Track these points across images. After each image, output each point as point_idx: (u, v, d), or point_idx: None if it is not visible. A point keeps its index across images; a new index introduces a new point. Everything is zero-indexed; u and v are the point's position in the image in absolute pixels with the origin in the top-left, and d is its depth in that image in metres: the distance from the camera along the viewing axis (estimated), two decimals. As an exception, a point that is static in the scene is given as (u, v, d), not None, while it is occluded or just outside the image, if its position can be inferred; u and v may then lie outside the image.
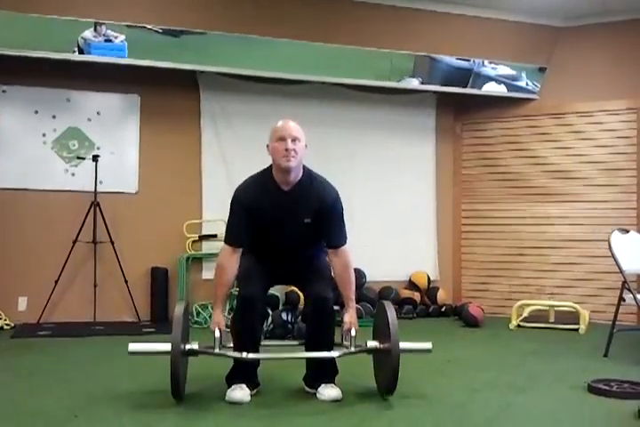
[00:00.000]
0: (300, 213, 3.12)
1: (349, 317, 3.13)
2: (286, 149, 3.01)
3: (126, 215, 5.73)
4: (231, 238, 3.15)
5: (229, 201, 3.19)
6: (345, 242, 3.19)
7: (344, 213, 3.21)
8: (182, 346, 2.92)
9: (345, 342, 3.13)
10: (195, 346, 3.04)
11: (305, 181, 3.14)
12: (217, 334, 3.03)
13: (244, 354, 2.97)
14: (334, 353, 3.05)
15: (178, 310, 3.00)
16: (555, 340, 5.04)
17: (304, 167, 3.15)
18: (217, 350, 3.03)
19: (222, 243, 3.18)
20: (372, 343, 3.13)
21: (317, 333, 3.17)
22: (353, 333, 3.08)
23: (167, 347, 2.87)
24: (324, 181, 3.21)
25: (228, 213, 3.20)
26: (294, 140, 3.04)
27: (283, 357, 3.27)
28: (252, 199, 3.11)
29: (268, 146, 3.11)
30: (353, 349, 3.08)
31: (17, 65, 5.33)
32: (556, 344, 4.84)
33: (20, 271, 5.53)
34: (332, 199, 3.16)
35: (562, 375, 3.72)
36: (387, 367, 2.98)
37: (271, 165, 3.14)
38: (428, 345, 3.17)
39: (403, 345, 2.95)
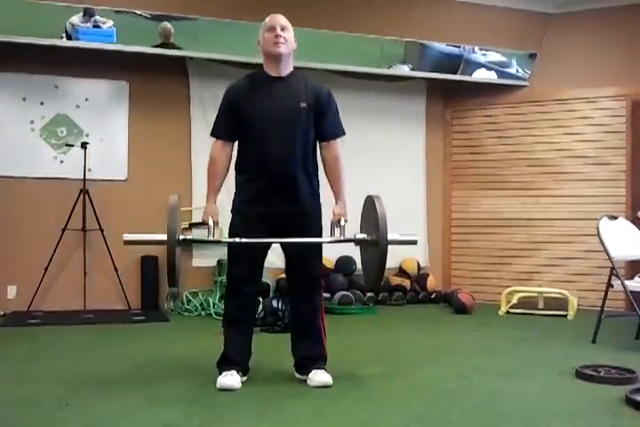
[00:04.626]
0: (294, 96, 3.10)
1: (339, 208, 3.19)
2: (276, 36, 3.04)
3: (116, 203, 5.70)
4: (217, 132, 3.18)
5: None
6: (338, 135, 3.33)
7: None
8: (177, 235, 2.93)
9: (334, 233, 3.16)
10: (189, 236, 3.08)
11: (297, 75, 3.17)
12: (210, 223, 3.08)
13: (237, 240, 3.01)
14: (325, 239, 3.11)
15: (172, 199, 2.99)
16: (543, 326, 5.08)
17: (295, 67, 3.17)
18: (210, 238, 3.08)
19: None
20: (360, 235, 3.14)
21: (304, 314, 3.20)
22: (342, 222, 3.14)
23: (163, 237, 2.90)
24: (315, 82, 3.22)
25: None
26: (283, 28, 3.08)
27: (275, 241, 3.19)
28: (243, 91, 3.11)
29: (258, 42, 3.14)
30: (342, 238, 3.12)
31: (4, 51, 5.27)
32: (544, 330, 4.87)
33: (9, 259, 5.51)
34: (326, 91, 3.19)
35: (550, 361, 3.75)
36: (374, 259, 3.01)
37: (262, 68, 3.14)
38: (415, 237, 3.22)
39: (391, 236, 2.96)
